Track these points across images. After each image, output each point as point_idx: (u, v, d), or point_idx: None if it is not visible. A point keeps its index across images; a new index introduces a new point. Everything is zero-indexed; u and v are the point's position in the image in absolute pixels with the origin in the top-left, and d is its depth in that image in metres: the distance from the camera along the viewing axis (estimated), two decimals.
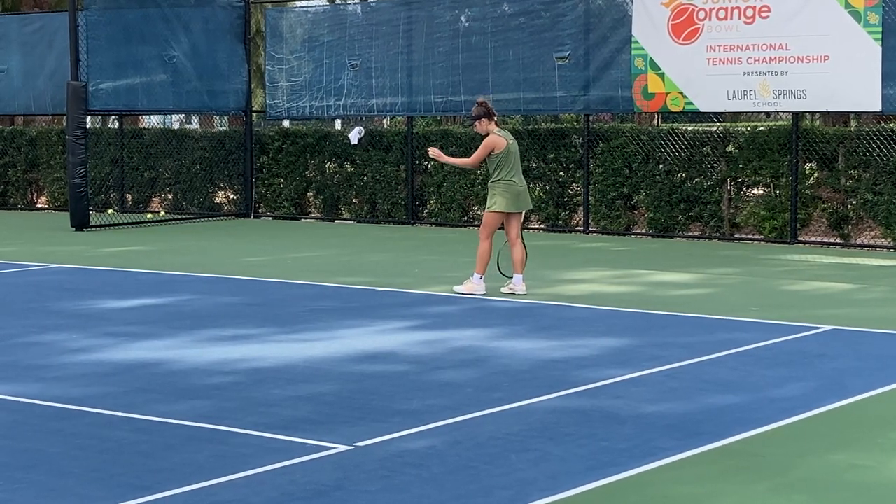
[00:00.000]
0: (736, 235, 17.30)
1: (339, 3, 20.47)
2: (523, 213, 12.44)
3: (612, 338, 9.97)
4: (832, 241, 16.58)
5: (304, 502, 5.76)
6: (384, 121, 24.48)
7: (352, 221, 20.42)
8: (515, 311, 11.35)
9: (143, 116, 24.31)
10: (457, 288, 12.21)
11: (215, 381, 8.36)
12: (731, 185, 17.37)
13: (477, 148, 12.41)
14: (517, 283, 12.13)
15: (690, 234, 17.64)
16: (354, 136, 20.18)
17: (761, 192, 17.29)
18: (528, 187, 18.65)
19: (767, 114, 20.34)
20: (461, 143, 19.37)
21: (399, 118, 21.49)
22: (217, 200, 22.11)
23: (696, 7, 16.81)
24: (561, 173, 18.71)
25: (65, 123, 20.53)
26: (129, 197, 22.66)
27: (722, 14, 16.64)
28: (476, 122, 12.22)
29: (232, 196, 21.93)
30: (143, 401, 7.79)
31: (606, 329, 10.39)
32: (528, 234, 18.58)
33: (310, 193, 21.12)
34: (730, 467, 6.33)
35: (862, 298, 12.14)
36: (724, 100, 16.79)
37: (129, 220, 20.53)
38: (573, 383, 8.18)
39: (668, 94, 17.13)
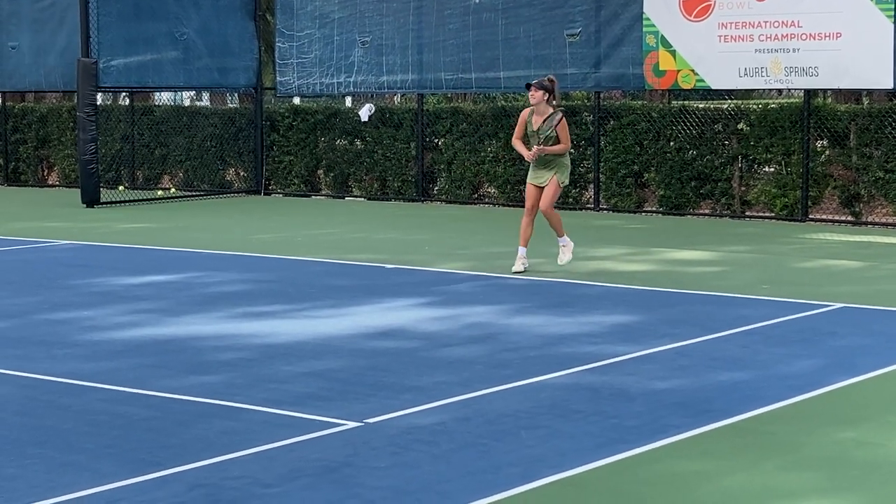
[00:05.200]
0: (747, 213, 17.27)
1: None
2: None
3: (622, 315, 9.97)
4: (843, 218, 16.55)
5: (314, 479, 5.78)
6: (395, 98, 24.44)
7: (362, 199, 20.42)
8: (526, 287, 11.35)
9: (154, 93, 24.29)
10: (562, 260, 12.09)
11: (226, 358, 8.39)
12: (742, 162, 17.32)
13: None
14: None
15: (701, 211, 17.61)
16: (364, 113, 20.21)
17: (772, 169, 17.24)
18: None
19: (779, 91, 20.27)
20: (471, 120, 19.35)
21: (409, 95, 21.45)
22: (227, 177, 22.13)
23: None
24: (572, 151, 18.62)
25: (76, 100, 20.54)
26: (139, 174, 22.69)
27: None
28: (538, 91, 11.88)
29: (242, 173, 21.94)
30: (154, 377, 7.82)
31: (617, 306, 10.39)
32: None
33: (320, 171, 21.12)
34: (739, 445, 6.33)
35: (873, 276, 12.12)
36: (735, 77, 16.73)
37: (140, 197, 20.56)
38: (583, 360, 8.19)
39: (679, 71, 17.07)
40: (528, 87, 12.05)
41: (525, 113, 12.09)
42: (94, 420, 6.82)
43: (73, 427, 6.68)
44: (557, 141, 11.94)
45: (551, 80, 12.11)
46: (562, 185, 12.08)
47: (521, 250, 12.07)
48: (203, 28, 20.62)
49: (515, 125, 18.66)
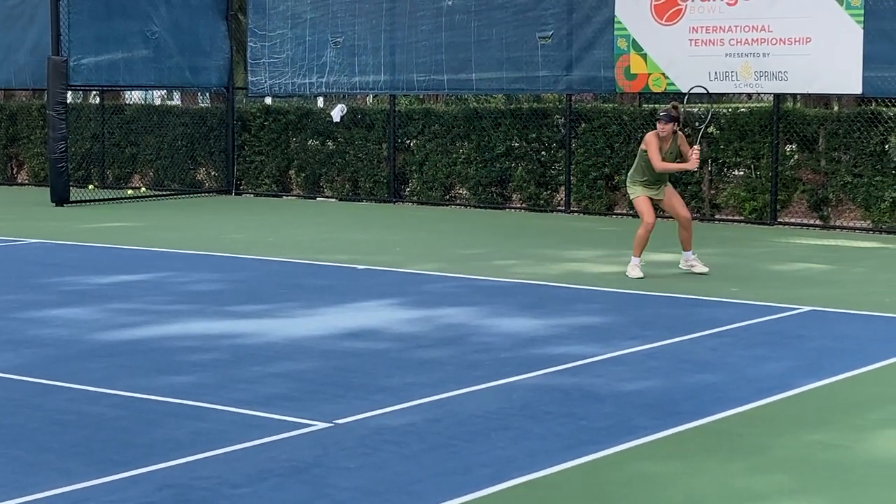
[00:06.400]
0: (716, 216, 17.35)
1: None
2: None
3: (593, 317, 10.01)
4: (812, 222, 16.65)
5: (283, 479, 5.78)
6: (367, 99, 24.43)
7: (333, 199, 20.40)
8: (497, 289, 11.37)
9: (125, 92, 24.19)
10: (704, 269, 12.14)
11: (196, 358, 8.37)
12: (711, 166, 17.40)
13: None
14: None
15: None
16: (336, 113, 20.19)
17: (742, 173, 17.33)
18: (510, 167, 18.85)
19: (749, 95, 20.38)
20: (443, 121, 19.37)
21: (382, 96, 21.44)
22: (198, 177, 22.05)
23: None
24: (543, 153, 18.72)
25: (45, 98, 20.42)
26: (109, 173, 22.59)
27: None
28: (667, 124, 11.90)
29: (213, 173, 21.87)
30: (123, 377, 7.79)
31: (587, 308, 10.42)
32: (510, 213, 18.63)
33: (291, 171, 21.09)
34: (708, 446, 6.37)
35: (840, 280, 12.20)
36: (705, 81, 16.77)
37: (110, 196, 20.48)
38: (554, 362, 8.21)
39: (650, 74, 17.14)
40: (658, 120, 12.06)
41: (653, 138, 11.99)
42: (63, 420, 6.79)
43: (41, 426, 6.65)
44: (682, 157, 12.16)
45: (676, 108, 12.14)
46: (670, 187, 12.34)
47: (636, 260, 12.07)
48: (174, 27, 20.56)
49: (487, 127, 18.82)
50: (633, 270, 11.92)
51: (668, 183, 12.33)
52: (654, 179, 12.17)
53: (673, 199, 12.29)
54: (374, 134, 20.00)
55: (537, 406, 7.11)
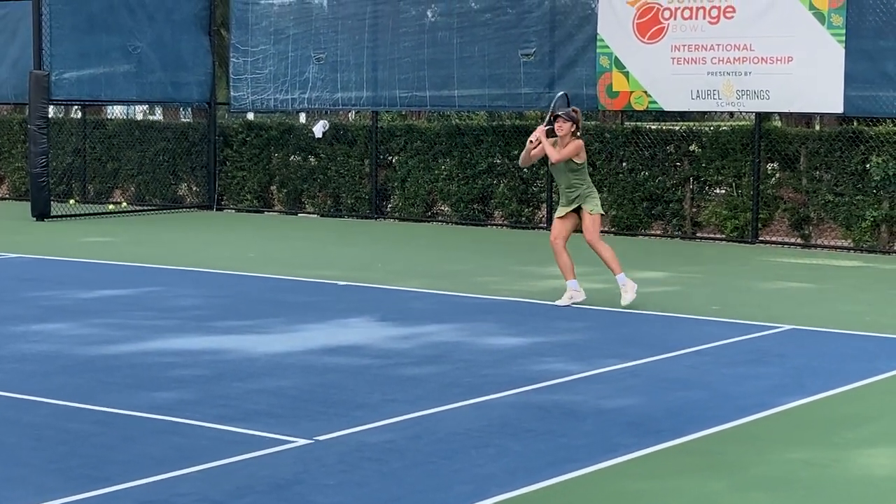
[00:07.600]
0: (698, 234, 17.39)
1: None
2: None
3: (573, 334, 10.01)
4: (793, 241, 16.70)
5: (263, 496, 5.75)
6: (349, 115, 24.44)
7: (315, 215, 20.38)
8: (479, 306, 11.36)
9: (107, 107, 24.15)
10: (626, 300, 11.08)
11: (176, 374, 8.33)
12: (693, 184, 17.45)
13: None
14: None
15: (653, 232, 17.71)
16: (319, 129, 20.19)
17: (723, 191, 17.39)
18: (492, 184, 18.87)
19: (731, 114, 20.44)
20: (425, 138, 19.38)
21: (364, 112, 21.46)
22: (180, 192, 22.02)
23: (662, 6, 16.87)
24: (525, 170, 18.73)
25: (27, 113, 20.38)
26: (91, 188, 22.54)
27: (687, 14, 16.71)
28: (566, 123, 11.14)
29: (195, 188, 21.83)
30: (102, 392, 7.75)
31: (568, 326, 10.42)
32: (492, 230, 18.64)
33: (273, 187, 21.07)
34: (688, 465, 6.37)
35: (821, 298, 12.23)
36: (687, 99, 16.86)
37: (91, 211, 20.42)
38: (534, 379, 8.20)
39: (632, 92, 17.19)
40: (556, 118, 11.26)
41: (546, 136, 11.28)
42: (41, 435, 6.75)
43: (18, 441, 6.61)
44: (578, 169, 11.32)
45: (576, 111, 11.40)
46: (594, 214, 11.33)
47: (570, 283, 11.38)
48: (157, 42, 20.54)
49: (469, 144, 18.84)
50: (576, 295, 11.31)
51: (588, 206, 11.33)
52: (561, 198, 11.43)
53: (583, 221, 11.36)
54: (356, 150, 20.00)
55: (517, 424, 7.11)
